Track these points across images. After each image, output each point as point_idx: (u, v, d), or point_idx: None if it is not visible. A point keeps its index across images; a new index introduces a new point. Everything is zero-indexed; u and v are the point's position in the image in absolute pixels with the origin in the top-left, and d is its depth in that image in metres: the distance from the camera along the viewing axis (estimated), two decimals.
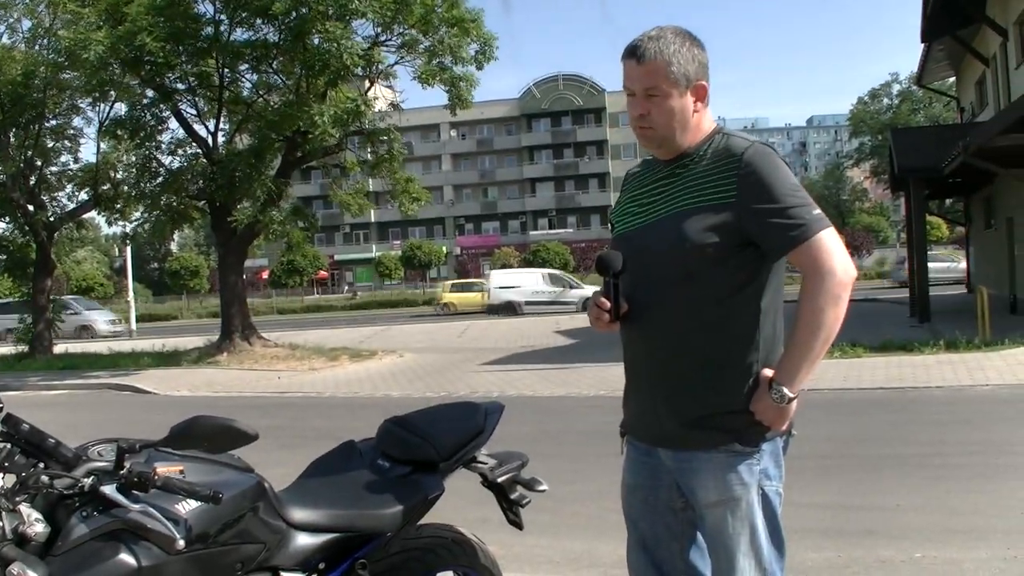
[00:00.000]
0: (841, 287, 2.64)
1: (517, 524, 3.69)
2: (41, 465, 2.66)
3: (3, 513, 2.49)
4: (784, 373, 2.69)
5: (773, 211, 2.66)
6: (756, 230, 2.68)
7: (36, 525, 2.53)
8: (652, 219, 2.86)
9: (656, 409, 2.85)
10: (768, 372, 2.74)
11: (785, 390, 2.67)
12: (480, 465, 3.58)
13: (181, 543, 2.63)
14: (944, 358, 14.37)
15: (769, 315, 2.80)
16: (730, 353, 2.76)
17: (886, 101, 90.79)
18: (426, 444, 3.39)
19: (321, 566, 3.17)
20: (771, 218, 2.66)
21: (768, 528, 2.82)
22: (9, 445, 2.67)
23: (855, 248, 64.72)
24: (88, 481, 2.60)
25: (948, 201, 37.93)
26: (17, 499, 2.54)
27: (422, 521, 3.42)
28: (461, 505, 4.08)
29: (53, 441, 2.71)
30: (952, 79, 35.21)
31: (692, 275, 2.72)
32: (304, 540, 3.09)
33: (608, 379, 13.94)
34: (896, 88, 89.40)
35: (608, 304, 2.81)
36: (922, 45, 26.20)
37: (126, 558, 2.58)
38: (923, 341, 15.59)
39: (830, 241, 2.67)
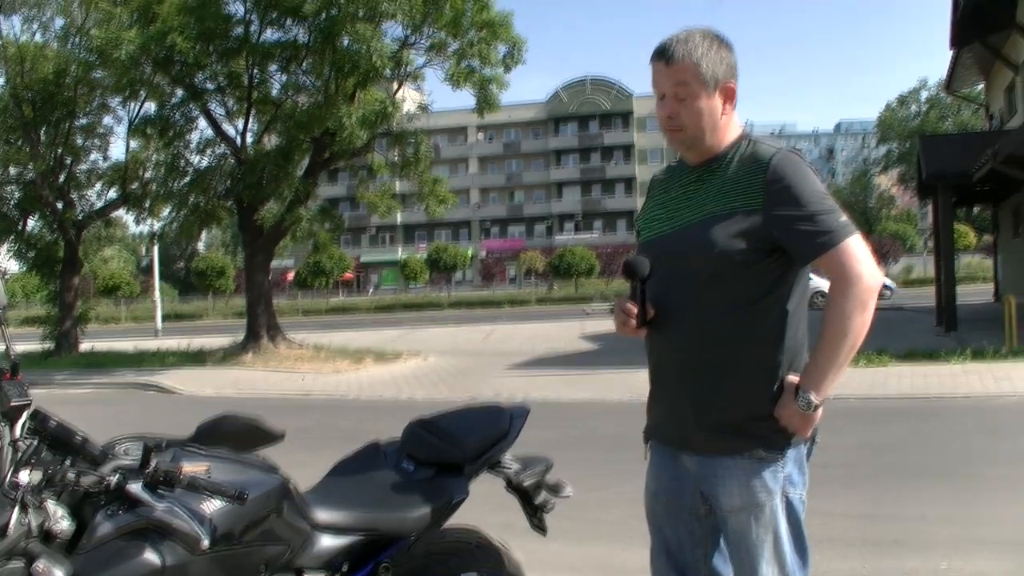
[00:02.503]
0: (868, 293, 2.66)
1: (541, 529, 3.69)
2: (68, 461, 2.67)
3: (29, 509, 2.50)
4: (810, 379, 2.70)
5: (800, 217, 2.67)
6: (783, 236, 2.70)
7: (62, 522, 2.54)
8: (679, 225, 2.87)
9: (680, 414, 2.86)
10: (794, 378, 2.75)
11: (811, 396, 2.68)
12: (505, 469, 3.58)
13: (206, 542, 2.63)
14: (971, 367, 14.26)
15: (794, 320, 2.80)
16: (756, 359, 2.77)
17: (914, 107, 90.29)
18: (451, 447, 3.39)
19: (345, 568, 3.18)
20: (798, 224, 2.67)
21: (792, 535, 2.82)
22: (36, 441, 2.69)
23: (882, 255, 64.26)
24: (114, 478, 2.61)
25: (976, 209, 37.68)
26: (43, 495, 2.55)
27: (446, 524, 3.41)
28: (485, 509, 4.07)
29: (80, 437, 2.72)
30: (981, 85, 34.94)
31: (718, 281, 2.73)
32: (328, 541, 3.09)
33: (633, 384, 13.90)
34: (924, 94, 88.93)
35: (635, 309, 2.81)
36: (951, 51, 26.03)
37: (151, 557, 2.59)
38: (949, 350, 15.48)
39: (857, 248, 2.68)
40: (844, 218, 2.71)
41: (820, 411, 2.71)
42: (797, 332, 2.81)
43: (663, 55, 2.79)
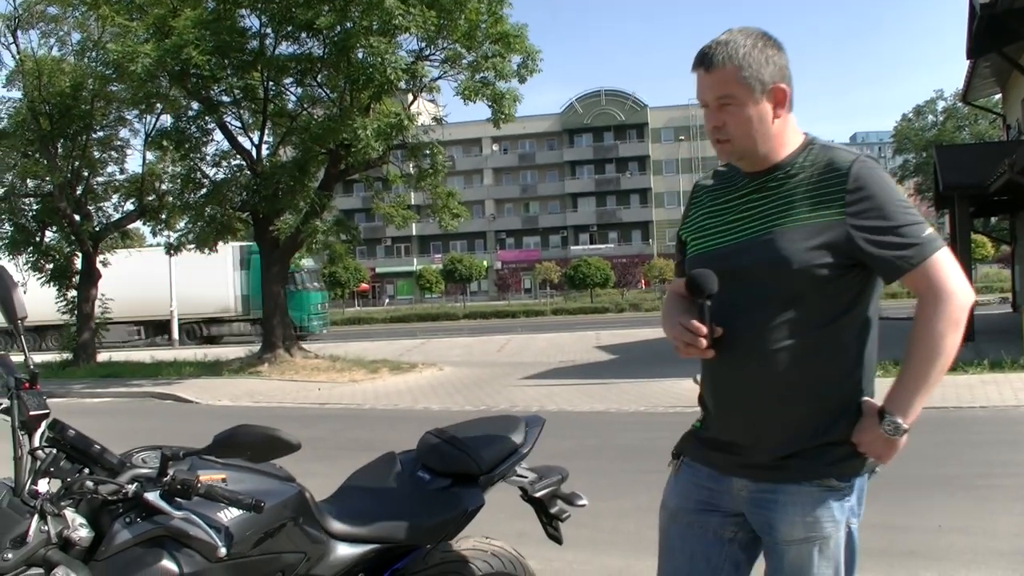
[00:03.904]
0: (961, 311, 2.48)
1: (556, 539, 3.68)
2: (86, 471, 2.70)
3: (48, 517, 2.52)
4: (898, 402, 2.51)
5: (886, 230, 2.47)
6: (868, 251, 2.48)
7: (80, 530, 2.56)
8: (745, 237, 2.62)
9: (747, 438, 2.65)
10: (872, 401, 2.58)
11: (900, 421, 2.48)
12: (520, 479, 3.57)
13: (223, 551, 2.65)
14: (988, 378, 14.18)
15: (870, 337, 2.62)
16: (834, 380, 2.57)
17: (931, 118, 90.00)
18: (467, 457, 3.39)
19: None
20: (884, 238, 2.46)
21: (847, 568, 2.70)
22: (55, 450, 2.71)
23: None
24: (132, 487, 2.63)
25: (993, 219, 37.51)
26: (62, 504, 2.58)
27: (462, 534, 3.42)
28: (501, 518, 4.08)
29: (98, 447, 2.74)
30: (998, 96, 34.81)
31: (796, 298, 2.52)
32: (344, 551, 3.10)
33: (648, 395, 13.88)
34: (941, 105, 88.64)
35: (704, 328, 2.54)
36: (968, 62, 25.95)
37: (168, 564, 2.61)
38: (967, 361, 15.34)
39: (947, 262, 2.49)
40: (931, 230, 2.51)
41: (906, 437, 2.52)
42: (873, 348, 2.64)
43: (703, 62, 2.56)
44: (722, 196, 2.75)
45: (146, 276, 35.53)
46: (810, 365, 2.54)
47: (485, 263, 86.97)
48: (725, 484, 2.72)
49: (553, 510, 3.61)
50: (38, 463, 2.66)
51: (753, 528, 2.72)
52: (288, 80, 22.24)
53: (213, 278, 36.57)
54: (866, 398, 2.59)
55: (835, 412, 2.57)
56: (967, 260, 21.19)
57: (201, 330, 38.56)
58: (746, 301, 2.56)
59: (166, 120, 23.81)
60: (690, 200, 2.91)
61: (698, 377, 2.83)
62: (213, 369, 22.69)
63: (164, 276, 36.18)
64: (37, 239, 26.09)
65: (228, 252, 36.31)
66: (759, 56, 2.53)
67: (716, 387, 2.73)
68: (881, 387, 2.60)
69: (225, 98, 22.25)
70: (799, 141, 2.66)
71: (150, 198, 25.70)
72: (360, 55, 19.68)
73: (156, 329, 38.95)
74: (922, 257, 2.47)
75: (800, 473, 2.58)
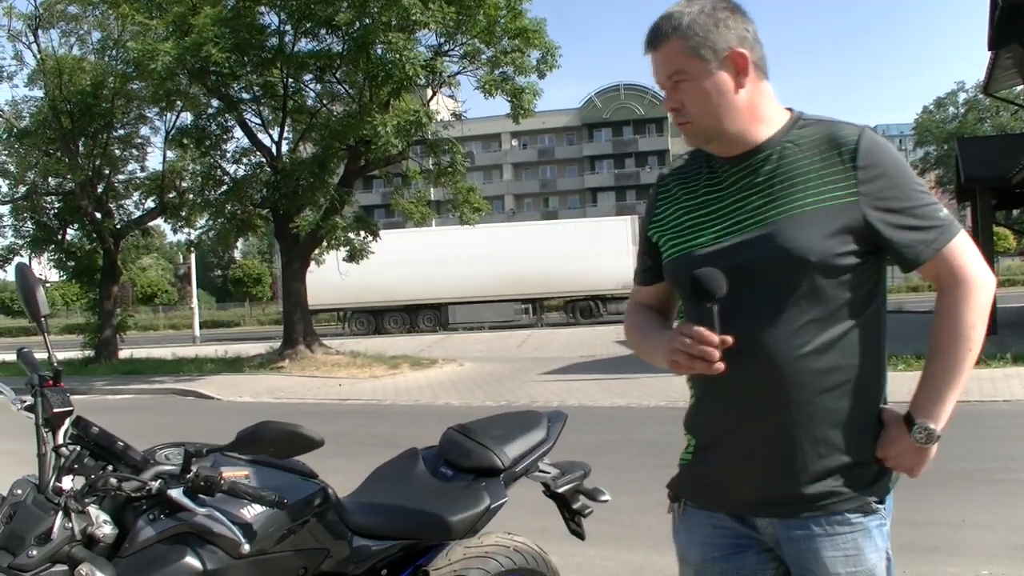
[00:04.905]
0: (989, 298, 2.21)
1: (579, 534, 3.68)
2: (110, 468, 2.70)
3: (72, 514, 2.53)
4: (927, 406, 2.25)
5: (905, 211, 2.17)
6: (887, 234, 2.17)
7: (104, 527, 2.57)
8: (742, 230, 2.23)
9: (759, 467, 2.25)
10: (892, 408, 2.31)
11: (933, 426, 2.22)
12: (542, 474, 3.57)
13: (246, 547, 2.65)
14: (1012, 371, 14.08)
15: (885, 334, 2.32)
16: (858, 386, 2.23)
17: (952, 110, 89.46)
18: (489, 452, 3.39)
19: (383, 573, 3.19)
20: (905, 219, 2.17)
21: None
22: (79, 447, 2.72)
23: None
24: (155, 484, 2.64)
25: (1016, 211, 37.24)
26: (86, 501, 2.59)
27: (484, 530, 3.41)
28: (523, 514, 4.07)
29: (122, 444, 2.75)
30: (1020, 87, 34.61)
31: (810, 295, 2.16)
32: (367, 547, 3.10)
33: (668, 390, 13.83)
34: (962, 97, 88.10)
35: (716, 337, 2.08)
36: (989, 53, 25.79)
37: (192, 561, 2.62)
38: (990, 354, 15.18)
39: (968, 245, 2.22)
40: (946, 211, 2.22)
41: (936, 445, 2.25)
42: (886, 347, 2.34)
43: (649, 41, 2.26)
44: (699, 187, 2.38)
45: (530, 252, 35.14)
46: (831, 372, 2.19)
47: None
48: (745, 524, 2.36)
49: (575, 506, 3.61)
50: (62, 460, 2.67)
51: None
52: (307, 77, 22.32)
53: (609, 252, 35.58)
54: (884, 405, 2.33)
55: (861, 425, 2.25)
56: (990, 253, 21.06)
57: (597, 307, 37.54)
58: (747, 303, 2.18)
59: (186, 118, 23.99)
60: (656, 195, 2.51)
61: None
62: (234, 365, 22.79)
63: (548, 252, 35.74)
64: (59, 237, 26.27)
65: (626, 225, 36.02)
66: (706, 22, 2.19)
67: (715, 408, 2.34)
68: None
69: (245, 95, 22.37)
70: (783, 117, 2.32)
71: (171, 195, 25.85)
72: (379, 51, 19.69)
73: (538, 308, 38.44)
74: (944, 241, 2.19)
75: (836, 501, 2.23)
